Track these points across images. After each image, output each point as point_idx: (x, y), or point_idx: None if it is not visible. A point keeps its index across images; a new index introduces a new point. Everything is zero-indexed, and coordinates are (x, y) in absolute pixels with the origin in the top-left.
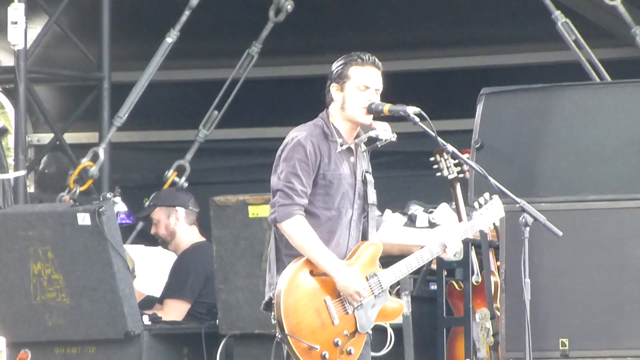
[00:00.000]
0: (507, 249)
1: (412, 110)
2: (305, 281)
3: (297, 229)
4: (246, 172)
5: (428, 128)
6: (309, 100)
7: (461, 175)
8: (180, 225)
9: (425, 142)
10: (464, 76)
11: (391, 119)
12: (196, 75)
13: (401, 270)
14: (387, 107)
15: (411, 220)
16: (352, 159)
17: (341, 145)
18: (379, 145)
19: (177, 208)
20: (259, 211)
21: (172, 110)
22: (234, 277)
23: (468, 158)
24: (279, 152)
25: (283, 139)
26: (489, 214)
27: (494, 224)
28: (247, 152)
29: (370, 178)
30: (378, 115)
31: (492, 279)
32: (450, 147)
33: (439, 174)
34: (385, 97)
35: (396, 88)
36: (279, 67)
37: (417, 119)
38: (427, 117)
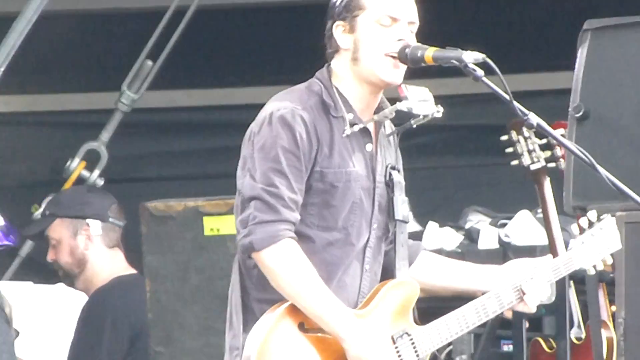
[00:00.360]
0: (628, 283)
1: (472, 57)
2: (293, 342)
3: (287, 262)
4: (200, 160)
5: (499, 86)
6: (300, 43)
7: (552, 165)
8: (95, 249)
9: (492, 110)
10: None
11: (436, 73)
12: (117, 2)
13: (450, 328)
14: (431, 53)
15: (471, 239)
16: (369, 146)
17: (351, 125)
18: (414, 125)
19: (88, 221)
20: (220, 225)
21: (77, 60)
22: (181, 333)
23: (563, 135)
24: (248, 134)
25: (261, 106)
26: (597, 243)
27: (603, 260)
28: (202, 127)
29: (399, 178)
30: (415, 66)
31: (604, 333)
32: (534, 118)
33: (515, 162)
34: (416, 33)
35: (438, 26)
36: None
37: (480, 73)
38: (497, 69)
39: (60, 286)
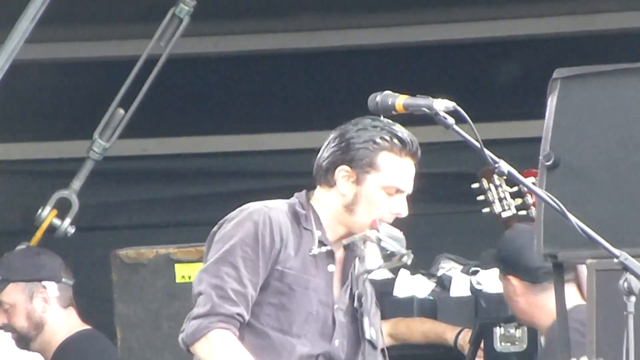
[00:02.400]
0: (599, 332)
1: (443, 105)
2: None
3: (215, 352)
4: (172, 208)
5: (469, 134)
6: (272, 92)
7: (523, 213)
8: (52, 311)
9: (463, 158)
10: (518, 51)
11: (407, 121)
12: (88, 50)
13: None
14: (401, 101)
15: (442, 286)
16: (331, 267)
17: (320, 244)
18: (386, 269)
19: (44, 283)
20: (192, 272)
21: (48, 108)
22: None
23: (534, 183)
24: (213, 229)
25: (231, 154)
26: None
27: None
28: (174, 175)
29: (366, 305)
30: (386, 114)
31: None
32: (505, 166)
33: (487, 209)
34: (387, 82)
35: (408, 74)
36: (225, 38)
37: (451, 121)
38: (467, 117)
39: (13, 350)
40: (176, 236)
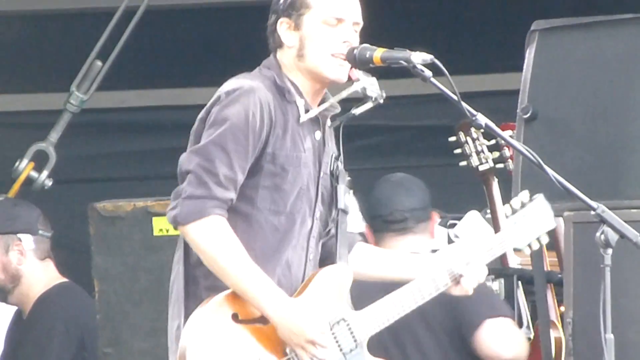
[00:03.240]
0: (576, 284)
1: (420, 58)
2: (226, 332)
3: (211, 237)
4: (150, 161)
5: (446, 87)
6: (251, 44)
7: (500, 165)
8: (28, 263)
9: (441, 110)
10: (496, 2)
11: (384, 73)
12: (67, 2)
13: (387, 312)
14: (379, 54)
15: None
16: (318, 134)
17: (305, 110)
18: (356, 113)
19: (20, 235)
20: (170, 226)
21: (25, 61)
22: (130, 334)
23: (512, 136)
24: (201, 115)
25: None
26: (530, 223)
27: (538, 240)
28: (152, 128)
29: (341, 168)
30: (364, 67)
31: (553, 333)
32: (482, 119)
33: (464, 162)
34: (365, 35)
35: (386, 26)
36: None
37: (429, 74)
38: (445, 70)
39: None
40: (154, 189)
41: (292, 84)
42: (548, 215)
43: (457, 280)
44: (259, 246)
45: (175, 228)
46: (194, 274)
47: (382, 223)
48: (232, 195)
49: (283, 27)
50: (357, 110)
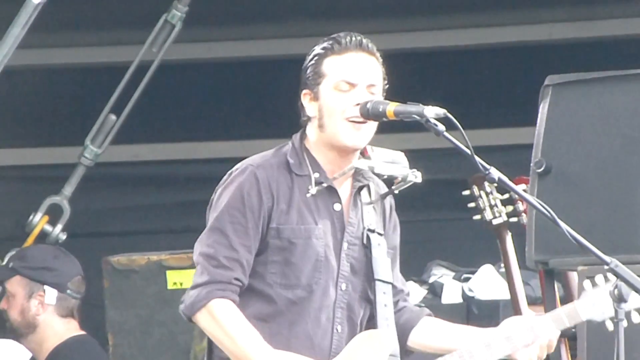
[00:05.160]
0: (589, 339)
1: (434, 112)
2: None
3: (215, 322)
4: (164, 215)
5: (460, 141)
6: (264, 98)
7: (514, 220)
8: (46, 316)
9: (454, 165)
10: (510, 57)
11: (398, 128)
12: (81, 56)
13: None
14: (392, 107)
15: (434, 293)
16: (337, 206)
17: (317, 184)
18: (396, 191)
19: (45, 287)
20: (184, 279)
21: (40, 114)
22: None
23: (525, 190)
24: (212, 196)
25: (224, 160)
26: (602, 304)
27: (613, 322)
28: (166, 182)
29: (379, 240)
30: (377, 120)
31: None
32: (496, 173)
33: (478, 216)
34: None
35: (400, 81)
36: (217, 44)
37: (442, 128)
38: (458, 124)
39: (9, 342)
40: (168, 243)
41: (310, 157)
42: (608, 302)
43: (518, 350)
44: (276, 321)
45: (189, 320)
46: (211, 344)
47: None
48: (236, 274)
49: (306, 98)
50: (396, 188)
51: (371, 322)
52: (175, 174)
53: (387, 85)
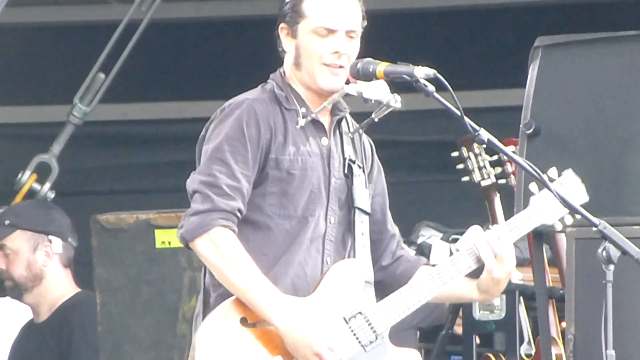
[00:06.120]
0: (577, 300)
1: (423, 72)
2: (235, 337)
3: (216, 249)
4: (152, 174)
5: (449, 102)
6: (252, 57)
7: (503, 181)
8: (52, 266)
9: (443, 126)
10: (500, 18)
11: (389, 87)
12: (70, 14)
13: (406, 301)
14: (382, 68)
15: (422, 254)
16: (324, 140)
17: (304, 117)
18: (376, 119)
19: (51, 237)
20: (172, 238)
21: (28, 72)
22: (131, 346)
23: (514, 152)
24: (202, 133)
25: None
26: (550, 208)
27: (571, 214)
28: (154, 141)
29: (358, 172)
30: (367, 80)
31: (554, 350)
32: (485, 134)
33: (466, 178)
34: (369, 49)
35: (390, 41)
36: (206, 3)
37: (432, 88)
38: (448, 85)
39: (6, 300)
40: (156, 202)
41: (294, 92)
42: (580, 189)
43: (480, 261)
44: (271, 251)
45: (186, 246)
46: (207, 285)
47: None
48: (238, 204)
49: (283, 32)
50: (376, 116)
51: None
52: (164, 133)
53: (372, 37)
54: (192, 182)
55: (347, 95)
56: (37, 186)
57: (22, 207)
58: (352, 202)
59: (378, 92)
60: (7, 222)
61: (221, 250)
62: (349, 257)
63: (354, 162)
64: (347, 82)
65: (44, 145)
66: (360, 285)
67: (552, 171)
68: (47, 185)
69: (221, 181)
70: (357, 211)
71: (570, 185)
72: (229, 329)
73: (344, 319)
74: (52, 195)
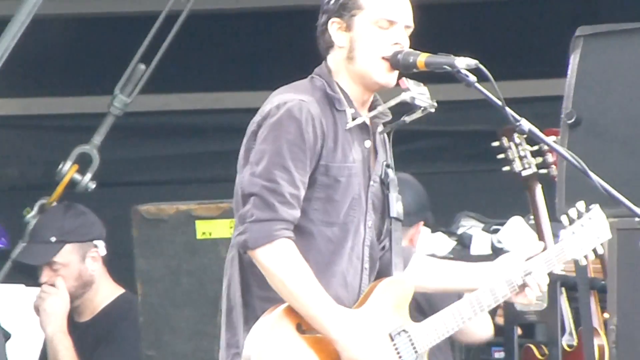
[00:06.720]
0: (620, 291)
1: (465, 63)
2: (290, 343)
3: (280, 261)
4: (193, 164)
5: (491, 93)
6: (293, 48)
7: (544, 171)
8: (99, 269)
9: (484, 116)
10: (541, 8)
11: (428, 78)
12: (110, 5)
13: (447, 324)
14: (423, 58)
15: (463, 245)
16: (367, 143)
17: (353, 119)
18: (407, 121)
19: (95, 242)
20: (212, 229)
21: (69, 63)
22: (172, 336)
23: (555, 141)
24: (252, 128)
25: (254, 110)
26: (587, 233)
27: (594, 250)
28: (195, 131)
29: (393, 176)
30: (408, 72)
31: (596, 340)
32: (526, 124)
33: (507, 168)
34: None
35: (430, 32)
36: None
37: (473, 79)
38: (490, 75)
39: (21, 287)
40: (197, 192)
41: (342, 91)
42: (604, 225)
43: (516, 291)
44: (312, 258)
45: (244, 252)
46: (248, 282)
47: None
48: (298, 212)
49: (334, 27)
50: (408, 118)
51: (381, 261)
52: (205, 123)
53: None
54: (251, 184)
55: (399, 103)
56: (78, 177)
57: (59, 220)
58: (388, 210)
59: (424, 98)
60: (52, 239)
61: (284, 262)
62: (383, 268)
63: (388, 166)
64: (397, 85)
65: (85, 136)
66: (406, 302)
67: (580, 205)
68: (88, 175)
69: (284, 189)
70: (393, 220)
71: (597, 221)
72: (285, 334)
73: (390, 335)
74: (93, 185)
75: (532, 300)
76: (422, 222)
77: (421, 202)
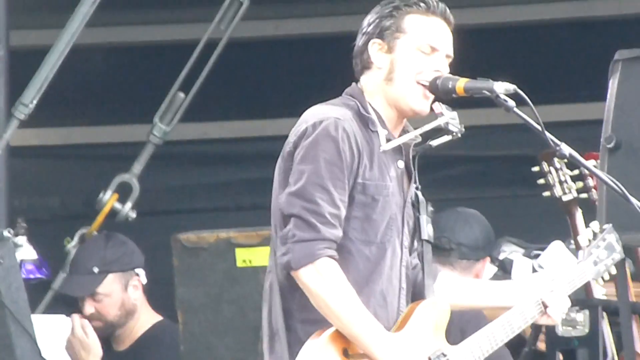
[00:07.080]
0: None
1: (503, 87)
2: None
3: (322, 280)
4: (232, 192)
5: (530, 117)
6: (332, 75)
7: (584, 196)
8: (140, 297)
9: (524, 140)
10: (579, 32)
11: (467, 103)
12: (148, 34)
13: (482, 347)
14: (462, 84)
15: (504, 270)
16: (400, 164)
17: (387, 140)
18: (433, 145)
19: (136, 270)
20: (252, 257)
21: (109, 93)
22: None
23: (595, 166)
24: (287, 148)
25: None
26: (602, 255)
27: (608, 271)
28: (234, 159)
29: (422, 198)
30: (447, 97)
31: None
32: (566, 149)
33: (547, 193)
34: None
35: (469, 57)
36: (285, 21)
37: (512, 103)
38: (528, 100)
39: (46, 316)
40: (236, 220)
41: (375, 112)
42: (617, 246)
43: (542, 311)
44: (351, 277)
45: (288, 273)
46: (288, 307)
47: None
48: (339, 232)
49: (374, 47)
50: (434, 142)
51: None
52: (244, 151)
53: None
54: (291, 205)
55: (433, 128)
56: (118, 206)
57: (102, 249)
58: (420, 232)
59: (455, 122)
60: (95, 269)
61: (327, 282)
62: (417, 290)
63: (418, 188)
64: (429, 117)
65: (125, 165)
66: (444, 324)
67: (594, 225)
68: (129, 204)
69: (324, 209)
70: (424, 243)
71: (611, 242)
72: (331, 358)
73: (429, 358)
74: (133, 214)
75: (557, 321)
76: (488, 258)
77: (489, 237)
